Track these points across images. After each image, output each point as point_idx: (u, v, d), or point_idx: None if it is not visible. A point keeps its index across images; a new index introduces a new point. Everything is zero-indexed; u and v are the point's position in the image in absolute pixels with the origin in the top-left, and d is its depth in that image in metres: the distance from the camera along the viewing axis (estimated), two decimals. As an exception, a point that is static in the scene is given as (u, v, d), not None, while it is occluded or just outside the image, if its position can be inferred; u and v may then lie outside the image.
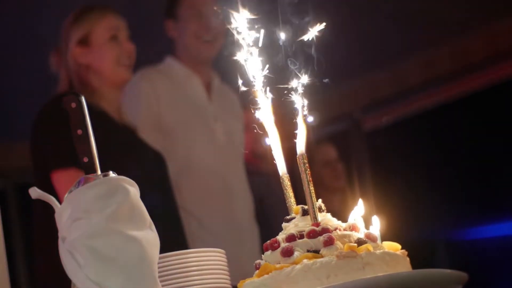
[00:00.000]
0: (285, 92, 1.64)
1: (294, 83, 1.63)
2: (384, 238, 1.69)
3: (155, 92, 3.48)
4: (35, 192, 1.59)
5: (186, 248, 2.96)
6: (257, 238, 3.68)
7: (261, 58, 1.66)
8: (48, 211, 1.73)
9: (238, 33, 1.66)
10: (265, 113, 1.64)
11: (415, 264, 1.58)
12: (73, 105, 1.57)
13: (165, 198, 3.08)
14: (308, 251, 1.55)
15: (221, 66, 3.67)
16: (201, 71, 3.65)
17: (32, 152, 2.92)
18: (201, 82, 3.63)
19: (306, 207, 1.63)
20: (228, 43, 1.67)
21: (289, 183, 1.66)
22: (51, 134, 2.80)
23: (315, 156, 4.57)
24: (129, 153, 2.99)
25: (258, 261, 1.64)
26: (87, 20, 3.00)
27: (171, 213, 3.09)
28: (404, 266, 1.54)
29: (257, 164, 4.32)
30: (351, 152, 5.93)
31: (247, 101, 1.66)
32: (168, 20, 3.64)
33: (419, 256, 1.76)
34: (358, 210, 1.69)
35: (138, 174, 2.87)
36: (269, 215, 4.17)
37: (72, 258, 1.52)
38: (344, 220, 1.65)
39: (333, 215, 1.65)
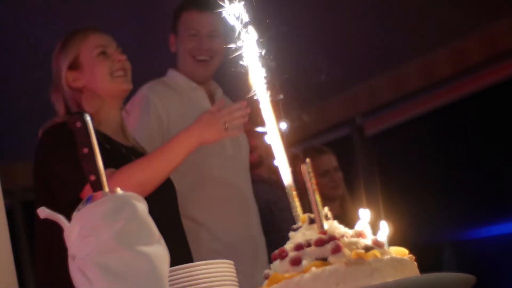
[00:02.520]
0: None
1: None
2: (390, 242, 1.70)
3: (163, 105, 3.47)
4: (43, 212, 1.60)
5: (191, 260, 2.98)
6: (265, 247, 3.69)
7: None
8: (50, 228, 1.74)
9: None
10: (269, 125, 1.66)
11: (422, 267, 1.60)
12: (78, 124, 1.59)
13: (168, 209, 3.10)
14: (316, 259, 1.56)
15: (224, 77, 3.69)
16: (204, 83, 3.66)
17: (40, 184, 2.90)
18: (205, 94, 3.64)
19: (312, 215, 1.65)
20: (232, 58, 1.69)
21: (295, 193, 1.67)
22: (63, 164, 2.77)
23: (313, 166, 4.55)
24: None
25: (267, 271, 1.65)
26: (72, 45, 2.98)
27: (174, 223, 3.10)
28: (412, 271, 1.55)
29: (255, 172, 4.34)
30: (355, 158, 5.95)
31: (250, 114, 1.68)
32: (172, 34, 3.65)
33: (426, 258, 1.77)
34: (364, 216, 1.70)
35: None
36: (279, 222, 4.18)
37: (83, 275, 1.53)
38: (344, 223, 1.67)
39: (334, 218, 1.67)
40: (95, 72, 2.95)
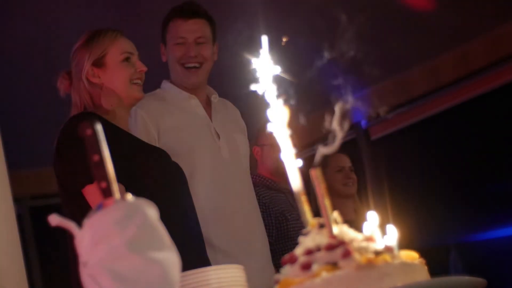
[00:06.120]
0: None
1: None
2: (398, 246, 1.70)
3: (152, 119, 3.51)
4: (54, 220, 1.61)
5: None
6: (269, 252, 3.68)
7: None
8: None
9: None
10: (279, 130, 1.66)
11: (429, 270, 1.60)
12: (89, 132, 1.59)
13: (187, 201, 3.16)
14: (326, 263, 1.56)
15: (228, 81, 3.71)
16: (197, 89, 3.68)
17: (59, 174, 2.99)
18: (199, 102, 3.66)
19: (322, 220, 1.65)
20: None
21: (304, 199, 1.67)
22: (73, 155, 2.87)
23: (329, 162, 4.67)
24: (152, 159, 3.09)
25: (277, 275, 1.65)
26: (101, 43, 3.11)
27: (192, 214, 3.16)
28: (422, 275, 1.55)
29: (277, 181, 4.36)
30: (361, 161, 5.96)
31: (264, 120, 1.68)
32: (161, 44, 3.70)
33: (432, 261, 1.77)
34: (373, 220, 1.70)
35: (165, 178, 2.97)
36: (291, 229, 4.20)
37: (94, 282, 1.54)
38: (358, 227, 1.67)
39: (348, 223, 1.67)
40: (116, 75, 3.09)
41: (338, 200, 4.60)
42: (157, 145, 3.44)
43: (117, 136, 2.96)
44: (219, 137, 3.61)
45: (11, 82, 4.94)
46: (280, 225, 4.21)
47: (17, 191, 3.15)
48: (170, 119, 3.55)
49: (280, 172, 4.28)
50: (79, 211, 2.73)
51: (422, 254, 1.66)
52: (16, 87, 4.99)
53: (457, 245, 5.80)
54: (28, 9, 4.58)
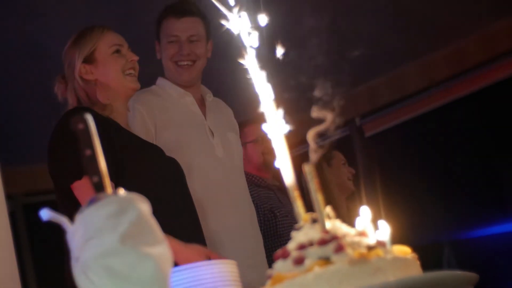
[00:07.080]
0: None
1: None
2: (391, 241, 1.70)
3: (150, 115, 3.51)
4: (46, 214, 1.60)
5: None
6: (262, 249, 3.68)
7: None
8: None
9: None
10: (272, 124, 1.66)
11: (422, 266, 1.60)
12: (81, 126, 1.59)
13: (183, 195, 3.17)
14: (319, 258, 1.56)
15: (222, 78, 3.72)
16: (192, 88, 3.69)
17: (50, 170, 3.01)
18: (193, 99, 3.67)
19: (314, 215, 1.65)
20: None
21: (296, 194, 1.67)
22: (63, 150, 2.88)
23: (333, 154, 4.73)
24: (148, 154, 3.11)
25: (269, 270, 1.65)
26: (89, 40, 3.14)
27: (190, 209, 3.15)
28: (414, 270, 1.55)
29: (265, 177, 4.36)
30: (355, 158, 5.97)
31: (256, 112, 1.68)
32: (156, 42, 3.72)
33: (426, 257, 1.78)
34: (365, 215, 1.70)
35: (161, 173, 2.99)
36: (280, 226, 4.21)
37: (86, 277, 1.53)
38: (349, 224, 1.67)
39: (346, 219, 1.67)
40: (108, 68, 3.11)
41: (337, 194, 4.64)
42: (155, 140, 3.45)
43: (111, 131, 2.96)
44: (213, 135, 3.61)
45: (4, 79, 4.94)
46: (269, 222, 4.21)
47: (10, 188, 3.15)
48: (166, 115, 3.56)
49: (267, 166, 4.30)
50: (73, 207, 2.74)
51: (416, 251, 1.66)
52: (9, 84, 4.98)
53: (451, 242, 5.81)
54: (24, 8, 4.59)
